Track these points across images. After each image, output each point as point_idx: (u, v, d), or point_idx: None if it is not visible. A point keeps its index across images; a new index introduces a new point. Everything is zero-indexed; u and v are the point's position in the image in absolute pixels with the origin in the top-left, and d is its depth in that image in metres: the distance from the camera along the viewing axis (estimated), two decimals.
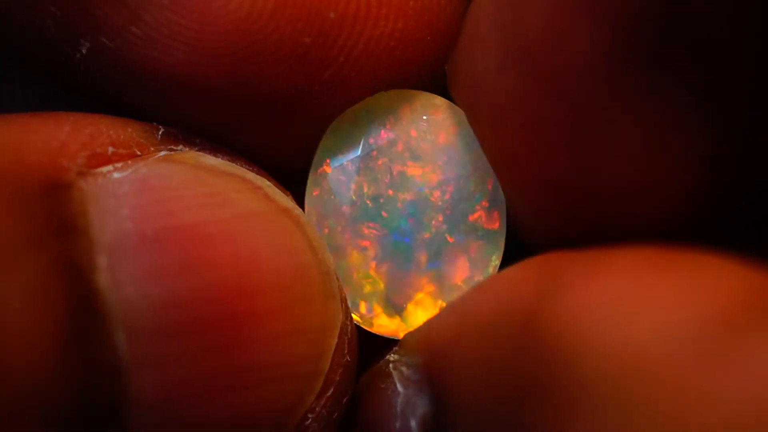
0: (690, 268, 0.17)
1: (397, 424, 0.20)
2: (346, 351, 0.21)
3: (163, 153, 0.20)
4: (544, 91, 0.20)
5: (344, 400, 0.21)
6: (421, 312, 0.23)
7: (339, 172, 0.23)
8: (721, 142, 0.19)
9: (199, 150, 0.21)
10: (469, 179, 0.23)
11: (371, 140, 0.23)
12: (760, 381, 0.15)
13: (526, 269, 0.20)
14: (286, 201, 0.21)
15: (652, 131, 0.19)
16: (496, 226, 0.23)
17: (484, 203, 0.23)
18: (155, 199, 0.19)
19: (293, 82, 0.22)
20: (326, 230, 0.23)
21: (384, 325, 0.23)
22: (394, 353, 0.22)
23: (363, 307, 0.23)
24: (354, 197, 0.23)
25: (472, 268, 0.23)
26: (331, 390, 0.20)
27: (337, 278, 0.21)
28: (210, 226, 0.19)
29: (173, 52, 0.21)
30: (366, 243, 0.23)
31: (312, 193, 0.23)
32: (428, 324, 0.22)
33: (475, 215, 0.23)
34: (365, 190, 0.23)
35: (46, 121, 0.20)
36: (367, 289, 0.23)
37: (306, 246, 0.20)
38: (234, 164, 0.21)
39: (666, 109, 0.19)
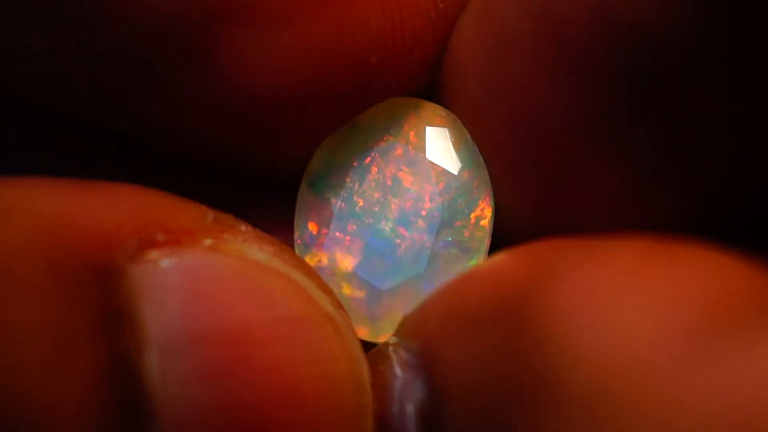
0: (687, 263, 0.17)
1: (395, 408, 0.20)
2: None
3: (209, 242, 0.20)
4: (521, 138, 0.21)
5: None
6: (393, 317, 0.23)
7: (333, 171, 0.23)
8: (699, 194, 0.19)
9: (244, 239, 0.21)
10: (461, 193, 0.23)
11: (370, 143, 0.23)
12: (748, 384, 0.15)
13: (519, 257, 0.20)
14: (328, 305, 0.21)
15: (626, 182, 0.20)
16: (481, 242, 0.23)
17: (472, 219, 0.23)
18: (203, 294, 0.19)
19: (326, 125, 0.23)
20: (313, 225, 0.23)
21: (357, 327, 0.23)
22: (394, 335, 0.22)
23: None
24: (344, 196, 0.23)
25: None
26: None
27: (370, 387, 0.21)
28: (255, 327, 0.19)
29: (200, 127, 0.22)
30: (350, 243, 0.23)
31: (305, 188, 0.23)
32: (423, 308, 0.22)
33: (462, 229, 0.23)
34: (356, 190, 0.23)
35: (101, 197, 0.20)
36: (346, 290, 0.23)
37: (345, 356, 0.20)
38: (279, 260, 0.21)
39: (641, 163, 0.19)
